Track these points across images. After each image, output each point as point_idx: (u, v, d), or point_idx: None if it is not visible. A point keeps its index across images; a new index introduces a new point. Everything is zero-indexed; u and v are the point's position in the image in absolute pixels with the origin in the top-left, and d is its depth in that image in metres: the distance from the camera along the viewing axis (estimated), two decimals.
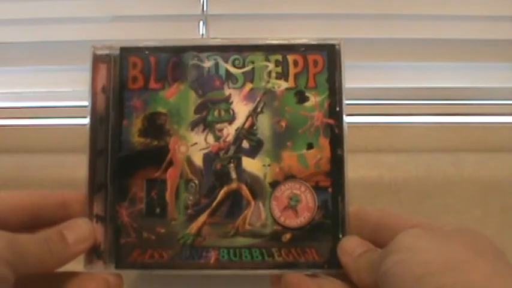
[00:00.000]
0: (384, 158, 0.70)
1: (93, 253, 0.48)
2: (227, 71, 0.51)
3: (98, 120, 0.51)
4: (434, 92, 0.77)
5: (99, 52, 0.52)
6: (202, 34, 0.75)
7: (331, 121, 0.50)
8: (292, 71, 0.51)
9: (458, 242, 0.39)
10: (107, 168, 0.50)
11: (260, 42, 0.52)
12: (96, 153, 0.50)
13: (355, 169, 0.66)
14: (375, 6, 0.73)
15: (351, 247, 0.46)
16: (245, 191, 0.49)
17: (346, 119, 0.50)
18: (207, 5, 0.74)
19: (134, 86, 0.51)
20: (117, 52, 0.52)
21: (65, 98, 0.76)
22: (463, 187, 0.68)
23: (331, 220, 0.49)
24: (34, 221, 0.47)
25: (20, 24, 0.74)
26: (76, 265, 0.47)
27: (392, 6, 0.73)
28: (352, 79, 0.71)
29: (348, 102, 0.74)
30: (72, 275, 0.46)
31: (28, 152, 0.71)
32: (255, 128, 0.50)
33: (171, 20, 0.75)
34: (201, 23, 0.74)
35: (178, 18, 0.75)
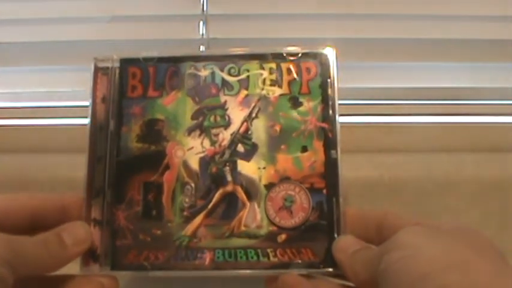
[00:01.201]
0: (383, 158, 0.70)
1: (90, 256, 0.49)
2: (223, 79, 0.53)
3: (98, 128, 0.52)
4: (434, 92, 0.77)
5: (100, 64, 0.53)
6: (202, 34, 0.75)
7: (324, 125, 0.51)
8: (286, 78, 0.52)
9: (460, 241, 0.39)
10: (105, 174, 0.51)
11: (255, 51, 0.53)
12: (95, 160, 0.51)
13: (355, 169, 0.66)
14: (375, 6, 0.73)
15: (346, 244, 0.46)
16: (240, 193, 0.50)
17: (341, 120, 0.51)
18: (207, 5, 0.74)
19: (133, 95, 0.53)
20: (118, 64, 0.53)
21: (65, 98, 0.76)
22: (463, 187, 0.68)
23: (326, 221, 0.49)
24: (33, 224, 0.47)
25: (20, 24, 0.75)
26: (73, 266, 0.47)
27: (392, 6, 0.73)
28: (352, 79, 0.72)
29: (348, 102, 0.75)
30: (68, 277, 0.46)
31: (28, 152, 0.71)
32: (249, 132, 0.51)
33: (171, 20, 0.75)
34: (201, 23, 0.75)
35: (178, 18, 0.75)
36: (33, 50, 0.76)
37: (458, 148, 0.72)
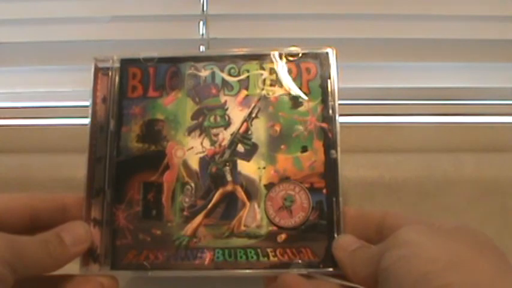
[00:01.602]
0: (383, 158, 0.70)
1: (89, 256, 0.49)
2: (223, 79, 0.53)
3: (98, 128, 0.52)
4: (434, 92, 0.77)
5: (100, 64, 0.54)
6: (202, 34, 0.75)
7: (324, 125, 0.51)
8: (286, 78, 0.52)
9: (461, 240, 0.39)
10: (105, 174, 0.51)
11: (255, 51, 0.53)
12: (95, 160, 0.51)
13: (355, 169, 0.66)
14: (375, 6, 0.73)
15: (345, 243, 0.46)
16: (240, 192, 0.50)
17: (341, 120, 0.51)
18: (207, 5, 0.74)
19: (133, 95, 0.53)
20: (118, 64, 0.54)
21: (65, 98, 0.76)
22: (463, 187, 0.68)
23: (326, 220, 0.49)
24: (33, 224, 0.47)
25: (20, 24, 0.75)
26: (73, 266, 0.47)
27: (391, 6, 0.73)
28: (352, 79, 0.72)
29: (349, 102, 0.75)
30: (68, 277, 0.46)
31: (28, 152, 0.71)
32: (249, 132, 0.51)
33: (171, 20, 0.75)
34: (201, 23, 0.75)
35: (178, 18, 0.75)
36: (33, 50, 0.76)
37: (458, 148, 0.72)
